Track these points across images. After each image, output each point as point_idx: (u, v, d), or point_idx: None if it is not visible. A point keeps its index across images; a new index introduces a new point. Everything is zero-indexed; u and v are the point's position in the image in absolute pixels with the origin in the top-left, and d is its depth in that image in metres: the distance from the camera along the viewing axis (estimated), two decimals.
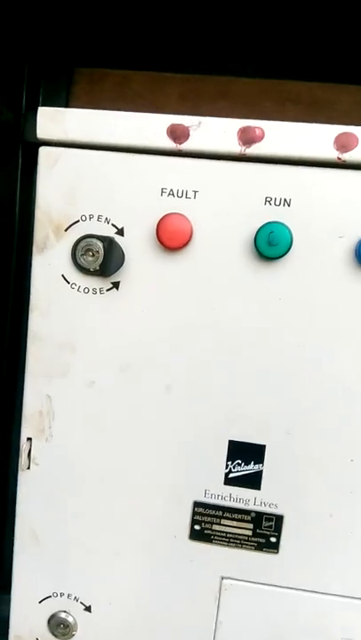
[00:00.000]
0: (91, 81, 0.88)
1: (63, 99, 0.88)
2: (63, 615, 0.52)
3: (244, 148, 0.45)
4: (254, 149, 0.45)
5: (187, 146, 0.45)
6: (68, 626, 0.52)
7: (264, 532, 0.48)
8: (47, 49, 0.87)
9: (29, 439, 0.51)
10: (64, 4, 0.83)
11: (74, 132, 0.47)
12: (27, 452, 0.51)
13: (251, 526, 0.48)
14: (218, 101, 0.87)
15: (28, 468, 0.51)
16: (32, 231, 0.49)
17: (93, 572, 0.51)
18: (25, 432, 0.51)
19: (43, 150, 0.48)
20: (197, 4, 0.79)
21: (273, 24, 0.80)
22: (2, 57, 0.79)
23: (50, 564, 0.52)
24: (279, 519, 0.48)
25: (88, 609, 0.52)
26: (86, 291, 0.48)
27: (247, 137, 0.44)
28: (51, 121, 0.47)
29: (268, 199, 0.45)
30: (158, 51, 0.86)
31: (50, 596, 0.52)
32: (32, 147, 0.87)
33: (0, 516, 0.91)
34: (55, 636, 0.52)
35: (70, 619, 0.52)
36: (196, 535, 0.49)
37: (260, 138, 0.45)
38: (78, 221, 0.48)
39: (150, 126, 0.46)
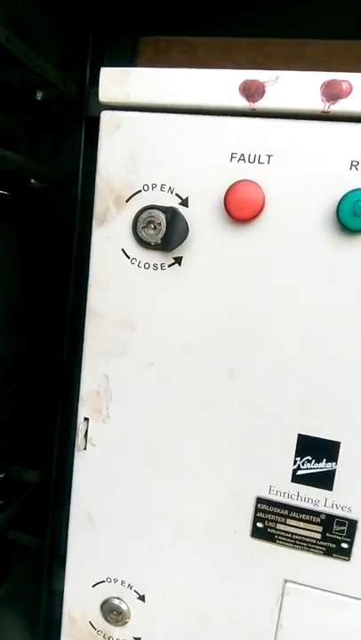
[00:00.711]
0: (156, 50, 0.84)
1: None
2: (116, 602, 0.51)
3: (328, 104, 0.39)
4: (340, 106, 0.39)
5: (261, 104, 0.40)
6: (121, 613, 0.50)
7: (335, 536, 0.43)
8: (111, 18, 0.83)
9: (86, 419, 0.49)
10: None
11: (137, 94, 0.43)
12: (83, 432, 0.49)
13: (320, 529, 0.44)
14: (290, 65, 0.80)
15: (85, 448, 0.49)
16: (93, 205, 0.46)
17: (148, 560, 0.49)
18: (82, 412, 0.49)
19: (105, 115, 0.45)
20: None
21: None
22: (66, 29, 0.77)
23: (104, 548, 0.51)
24: (352, 524, 0.43)
25: (142, 598, 0.50)
26: (147, 266, 0.45)
27: (332, 92, 0.39)
28: (114, 82, 0.44)
29: (355, 163, 0.39)
30: (224, 15, 0.80)
31: (103, 581, 0.51)
32: (95, 121, 0.85)
33: (60, 493, 0.92)
34: (108, 621, 0.51)
35: (123, 606, 0.50)
36: (258, 533, 0.46)
37: (348, 93, 0.39)
38: (140, 191, 0.44)
39: (221, 83, 0.41)
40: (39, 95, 0.75)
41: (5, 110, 0.68)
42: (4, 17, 0.62)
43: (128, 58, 0.85)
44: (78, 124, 0.85)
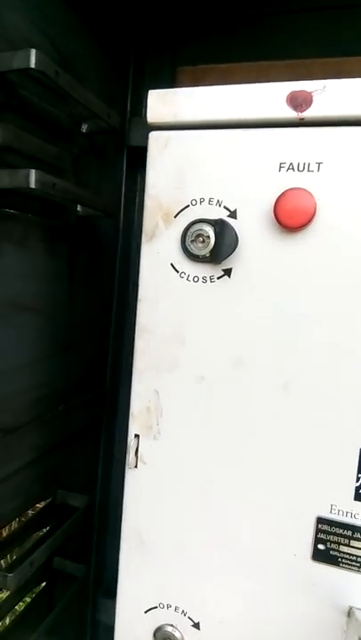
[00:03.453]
0: (194, 79, 0.87)
1: None
2: (170, 629, 0.48)
3: None
4: None
5: (309, 113, 0.41)
6: None
7: None
8: (150, 50, 0.87)
9: (137, 436, 0.48)
10: (165, 4, 0.83)
11: (184, 113, 0.45)
12: (134, 449, 0.48)
13: None
14: None
15: (136, 466, 0.49)
16: (135, 228, 0.47)
17: (203, 585, 0.47)
18: (133, 429, 0.49)
19: (153, 135, 0.46)
20: None
21: None
22: (107, 61, 0.81)
23: (157, 571, 0.49)
24: None
25: (196, 625, 0.48)
26: (196, 279, 0.45)
27: None
28: (161, 103, 0.45)
29: None
30: (258, 39, 0.82)
31: (156, 607, 0.49)
32: (136, 150, 0.88)
33: (104, 518, 0.91)
34: None
35: (177, 634, 0.48)
36: (319, 556, 0.43)
37: None
38: (188, 206, 0.45)
39: (268, 96, 0.42)
40: (84, 127, 0.78)
41: (53, 142, 0.71)
42: (51, 53, 0.65)
43: (167, 88, 0.88)
44: (120, 153, 0.88)
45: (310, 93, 0.40)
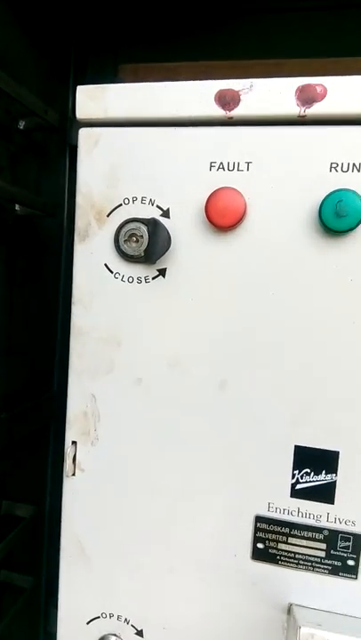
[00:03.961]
0: (135, 77, 0.86)
1: None
2: (113, 639, 0.47)
3: (303, 108, 0.39)
4: (316, 109, 0.39)
5: (237, 112, 0.40)
6: None
7: (340, 553, 0.41)
8: (92, 47, 0.86)
9: (74, 443, 0.47)
10: (107, 2, 0.82)
11: (114, 109, 0.43)
12: (71, 456, 0.47)
13: (323, 546, 0.41)
14: None
15: (74, 474, 0.47)
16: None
17: (145, 591, 0.46)
18: (69, 435, 0.47)
19: (82, 132, 0.45)
20: None
21: None
22: (47, 58, 0.79)
23: (98, 580, 0.48)
24: (358, 539, 0.41)
25: (140, 633, 0.47)
26: (131, 280, 0.44)
27: (307, 96, 0.39)
28: (90, 99, 0.44)
29: (335, 165, 0.39)
30: (202, 38, 0.83)
31: (99, 617, 0.48)
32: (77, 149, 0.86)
33: (55, 528, 0.88)
34: None
35: None
36: (259, 554, 0.43)
37: (322, 96, 0.39)
38: (121, 205, 0.44)
39: (196, 94, 0.41)
40: (22, 124, 0.75)
41: None
42: None
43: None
44: (62, 152, 0.86)
45: (238, 92, 0.40)
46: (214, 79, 0.89)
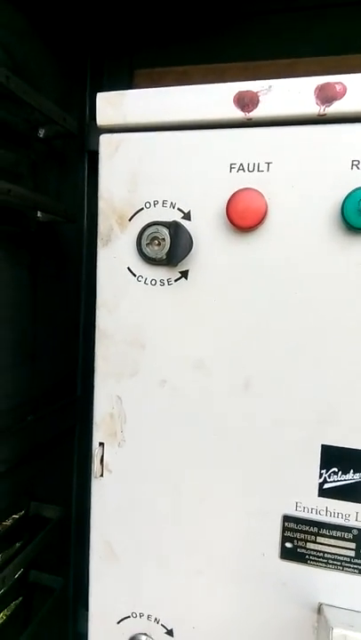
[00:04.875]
0: (151, 81, 0.87)
1: None
2: (144, 638, 0.48)
3: (323, 107, 0.39)
4: (336, 108, 0.39)
5: (256, 113, 0.41)
6: None
7: None
8: (107, 54, 0.87)
9: (101, 444, 0.48)
10: (121, 9, 0.83)
11: (133, 115, 0.44)
12: (99, 458, 0.48)
13: (353, 546, 0.41)
14: None
15: (102, 475, 0.48)
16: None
17: (174, 591, 0.47)
18: (96, 437, 0.48)
19: (103, 138, 0.46)
20: None
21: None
22: (64, 67, 0.80)
23: (128, 580, 0.48)
24: None
25: (170, 632, 0.47)
26: (153, 282, 0.45)
27: (326, 95, 0.39)
28: (110, 105, 0.45)
29: (356, 162, 0.39)
30: (214, 42, 0.83)
31: (129, 616, 0.48)
32: (96, 155, 0.87)
33: (82, 529, 0.90)
34: None
35: None
36: (287, 554, 0.43)
37: (342, 94, 0.39)
38: (142, 209, 0.45)
39: (215, 97, 0.42)
40: (41, 132, 0.77)
41: (9, 148, 0.69)
42: (3, 58, 0.64)
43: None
44: (81, 158, 0.87)
45: (256, 93, 0.40)
46: (227, 81, 0.90)
